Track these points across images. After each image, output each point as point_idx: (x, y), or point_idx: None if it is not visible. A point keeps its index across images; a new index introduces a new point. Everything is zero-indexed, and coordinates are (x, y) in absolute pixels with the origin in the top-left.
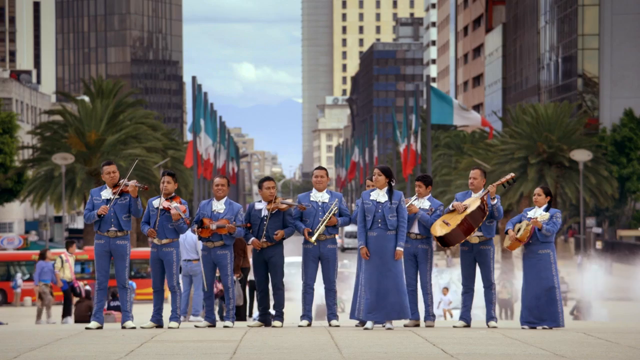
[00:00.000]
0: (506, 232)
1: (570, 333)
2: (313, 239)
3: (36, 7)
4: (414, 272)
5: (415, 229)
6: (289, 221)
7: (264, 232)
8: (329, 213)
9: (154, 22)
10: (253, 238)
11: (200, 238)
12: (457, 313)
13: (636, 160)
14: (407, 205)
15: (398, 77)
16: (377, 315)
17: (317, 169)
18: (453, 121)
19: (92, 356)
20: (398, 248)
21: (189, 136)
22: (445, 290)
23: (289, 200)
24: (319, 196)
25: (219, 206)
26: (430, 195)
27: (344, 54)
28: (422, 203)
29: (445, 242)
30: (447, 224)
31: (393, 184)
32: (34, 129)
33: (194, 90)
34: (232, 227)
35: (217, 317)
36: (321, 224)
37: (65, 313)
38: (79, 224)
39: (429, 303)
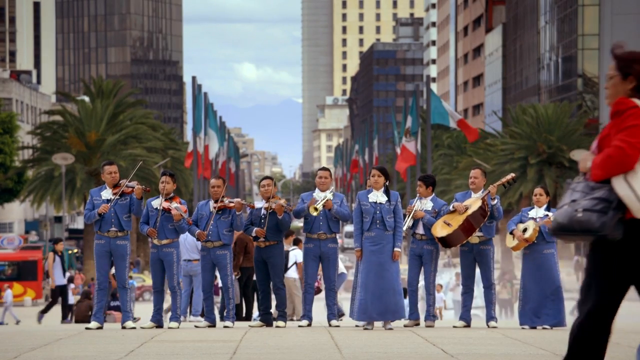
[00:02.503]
0: (511, 233)
1: None
2: (319, 205)
3: (36, 7)
4: (417, 273)
5: (420, 230)
6: (285, 219)
7: (264, 229)
8: (324, 199)
9: (154, 22)
10: (256, 228)
11: (199, 238)
12: (446, 314)
13: None
14: (413, 212)
15: (398, 77)
16: (372, 315)
17: (321, 169)
18: (450, 123)
19: (92, 356)
20: (396, 249)
21: (189, 136)
22: (439, 287)
23: (282, 201)
24: (322, 196)
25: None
26: (433, 195)
27: (344, 54)
28: (424, 204)
29: (446, 242)
30: (448, 224)
31: (387, 184)
32: (34, 129)
33: (194, 90)
34: (241, 206)
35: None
36: (321, 203)
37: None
38: (79, 224)
39: (430, 303)
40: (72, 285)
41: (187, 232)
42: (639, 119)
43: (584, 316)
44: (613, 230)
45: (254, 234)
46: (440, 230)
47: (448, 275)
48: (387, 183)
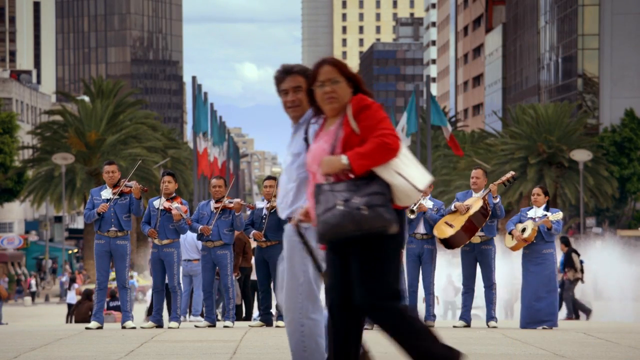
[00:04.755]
0: (510, 233)
1: (570, 333)
2: None
3: (36, 7)
4: (417, 273)
5: (421, 229)
6: None
7: (263, 231)
8: None
9: (154, 22)
10: (254, 231)
11: (199, 238)
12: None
13: (636, 160)
14: (418, 203)
15: (398, 77)
16: None
17: None
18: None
19: (92, 356)
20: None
21: (189, 136)
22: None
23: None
24: None
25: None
26: (430, 195)
27: (344, 54)
28: (426, 202)
29: (449, 244)
30: (450, 225)
31: None
32: (34, 129)
33: (194, 90)
34: (240, 206)
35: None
36: None
37: None
38: (79, 224)
39: (430, 303)
40: (75, 285)
41: (187, 232)
42: (385, 113)
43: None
44: (395, 223)
45: (251, 236)
46: (444, 230)
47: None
48: None
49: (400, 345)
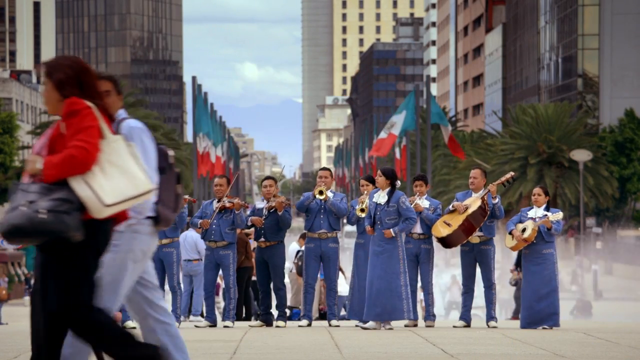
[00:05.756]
0: (510, 233)
1: (570, 333)
2: (322, 187)
3: (36, 7)
4: (415, 273)
5: (418, 229)
6: (285, 216)
7: (262, 230)
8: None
9: (154, 22)
10: (252, 217)
11: (203, 237)
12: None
13: (636, 160)
14: (414, 203)
15: (398, 77)
16: (369, 315)
17: (321, 169)
18: (447, 124)
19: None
20: (391, 229)
21: (189, 136)
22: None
23: (282, 198)
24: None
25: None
26: (427, 194)
27: (344, 54)
28: (422, 202)
29: (446, 243)
30: (448, 224)
31: (397, 186)
32: (34, 129)
33: (194, 90)
34: (240, 206)
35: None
36: (324, 186)
37: None
38: None
39: (429, 303)
40: None
41: (186, 232)
42: (94, 120)
43: (46, 318)
44: (77, 231)
45: (249, 223)
46: (440, 230)
47: (448, 275)
48: (394, 183)
49: (101, 353)
